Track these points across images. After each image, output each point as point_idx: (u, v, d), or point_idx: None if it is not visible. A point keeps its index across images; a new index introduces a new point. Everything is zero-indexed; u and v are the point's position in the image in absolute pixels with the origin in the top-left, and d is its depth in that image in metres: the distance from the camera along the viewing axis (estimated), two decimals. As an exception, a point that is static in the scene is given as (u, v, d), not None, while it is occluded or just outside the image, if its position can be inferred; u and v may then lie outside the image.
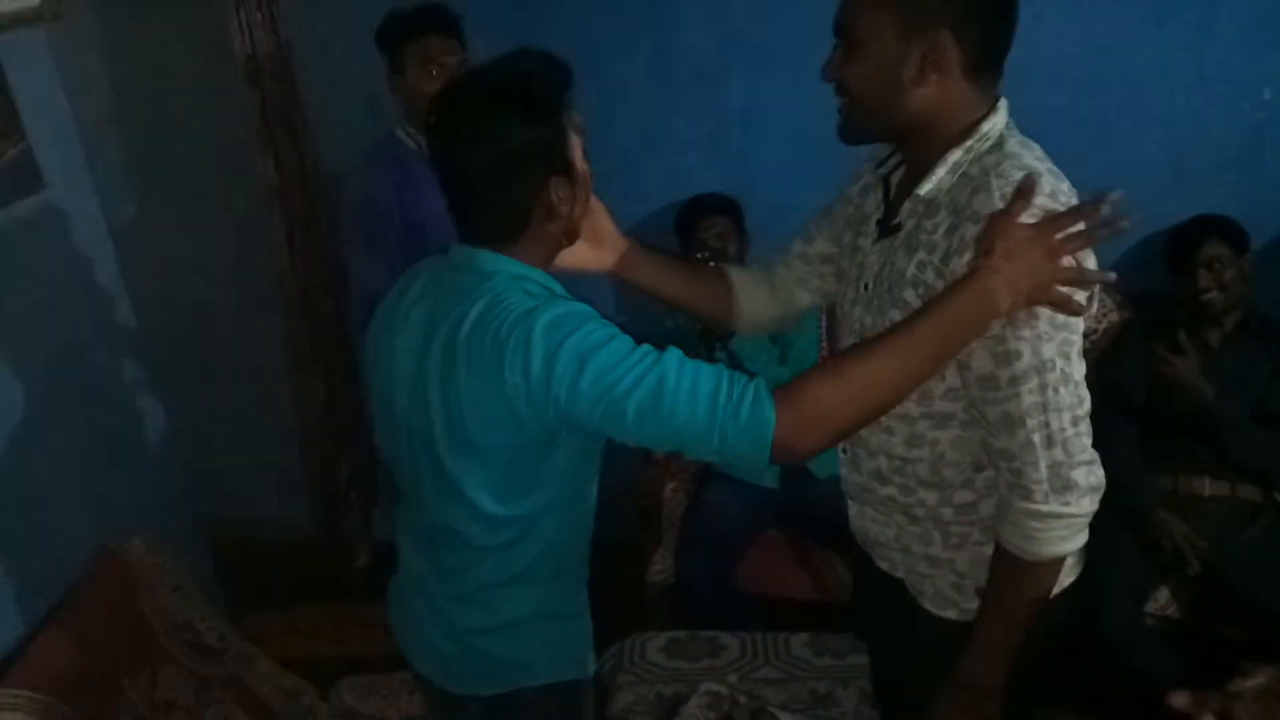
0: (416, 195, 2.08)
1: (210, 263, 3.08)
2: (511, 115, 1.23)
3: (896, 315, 1.24)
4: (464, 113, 1.25)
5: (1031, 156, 1.20)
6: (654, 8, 2.67)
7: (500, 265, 1.28)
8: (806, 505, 2.53)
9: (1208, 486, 2.40)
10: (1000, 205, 1.14)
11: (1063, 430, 1.19)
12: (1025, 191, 1.14)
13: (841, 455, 1.49)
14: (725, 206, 2.58)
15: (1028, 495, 1.21)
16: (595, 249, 1.47)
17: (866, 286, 1.34)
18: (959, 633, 1.34)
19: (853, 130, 1.28)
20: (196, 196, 2.99)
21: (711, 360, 2.37)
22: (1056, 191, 1.17)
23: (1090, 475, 1.22)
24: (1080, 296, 1.17)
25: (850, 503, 1.51)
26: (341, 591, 2.91)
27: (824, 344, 2.75)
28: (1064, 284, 1.16)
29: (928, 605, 1.41)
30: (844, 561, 2.46)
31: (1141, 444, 2.43)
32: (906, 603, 1.43)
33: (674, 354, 1.18)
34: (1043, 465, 1.20)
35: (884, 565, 1.47)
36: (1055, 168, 1.21)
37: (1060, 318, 1.17)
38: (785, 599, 2.51)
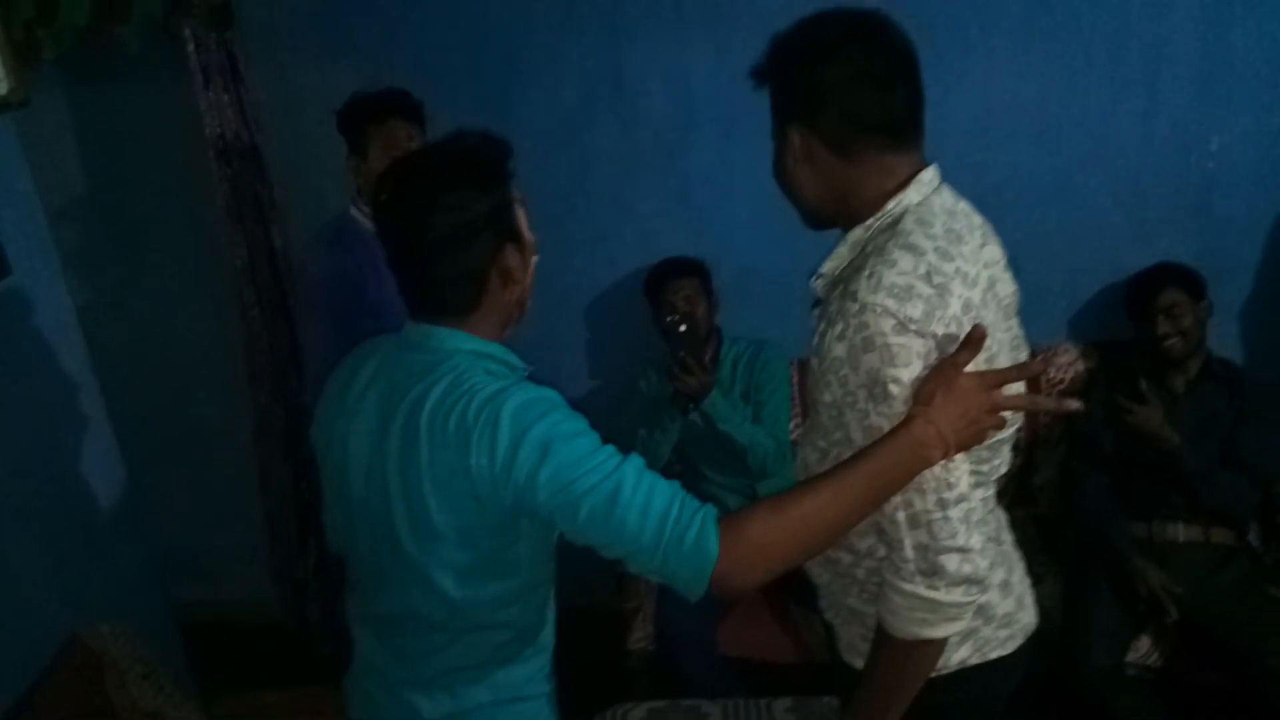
0: (378, 276, 2.08)
1: (180, 343, 3.07)
2: (464, 185, 1.25)
3: (810, 383, 1.31)
4: (418, 186, 1.26)
5: (923, 235, 1.21)
6: (616, 79, 2.73)
7: (459, 343, 1.28)
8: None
9: (1181, 532, 2.42)
10: (866, 283, 1.17)
11: (927, 512, 1.19)
12: (974, 340, 1.15)
13: None
14: (692, 269, 2.61)
15: (896, 572, 1.23)
16: None
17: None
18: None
19: (804, 221, 1.37)
20: (165, 277, 3.00)
21: (685, 417, 2.40)
22: (932, 272, 1.18)
23: (964, 564, 1.19)
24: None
25: None
26: (314, 677, 2.84)
27: (796, 403, 2.77)
28: (995, 429, 1.20)
29: (842, 652, 1.46)
30: (823, 620, 2.45)
31: (1114, 492, 2.45)
32: (834, 647, 1.49)
33: (635, 463, 1.19)
34: (908, 545, 1.21)
35: (823, 606, 1.52)
36: (950, 248, 1.21)
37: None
38: (766, 662, 2.48)
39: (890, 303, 1.15)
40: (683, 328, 2.34)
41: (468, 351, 1.28)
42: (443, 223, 1.24)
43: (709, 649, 2.43)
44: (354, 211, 2.21)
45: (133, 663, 1.95)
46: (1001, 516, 1.43)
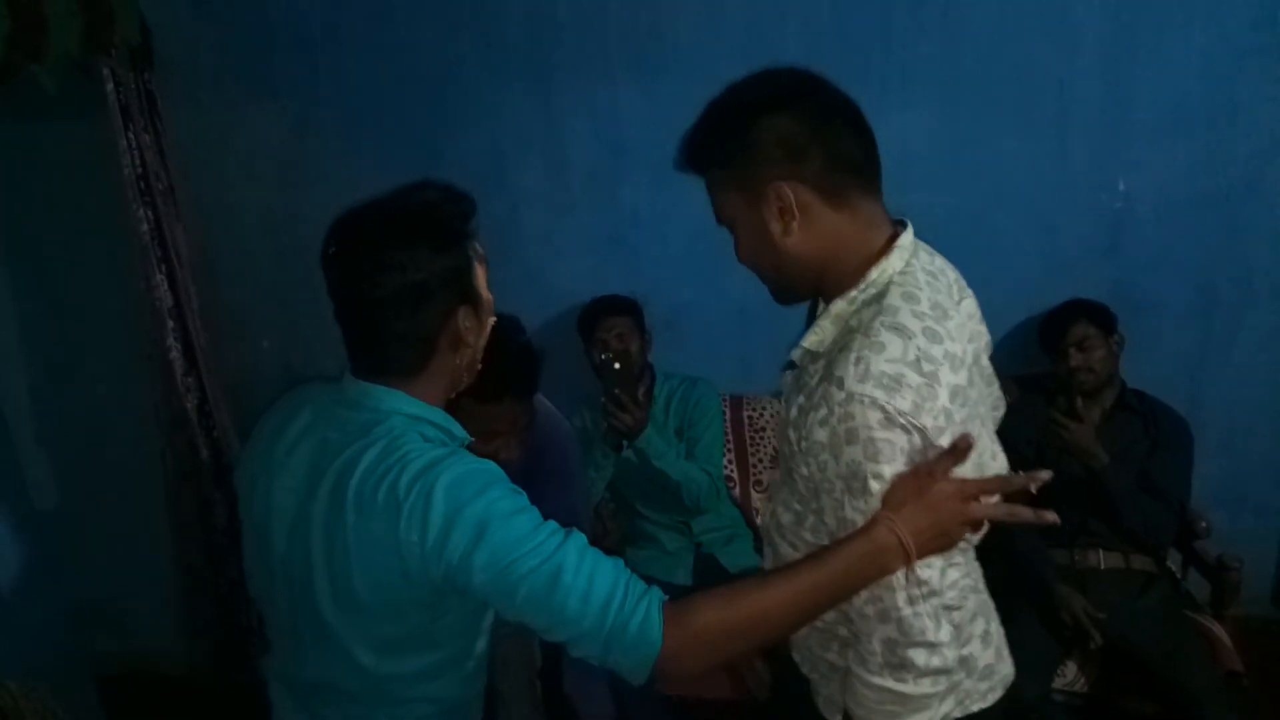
0: None
1: (95, 386, 2.98)
2: (418, 245, 1.19)
3: (786, 450, 1.27)
4: (367, 242, 1.20)
5: (910, 313, 1.16)
6: (547, 121, 2.75)
7: (397, 404, 1.22)
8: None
9: (1102, 559, 2.48)
10: (853, 369, 1.12)
11: (897, 609, 1.15)
12: (959, 451, 1.12)
13: (766, 550, 1.47)
14: (625, 307, 2.63)
15: (863, 664, 1.20)
16: None
17: (785, 401, 1.35)
18: None
19: (779, 297, 1.31)
20: (79, 319, 2.91)
21: (619, 454, 2.40)
22: (921, 359, 1.13)
23: (933, 658, 1.16)
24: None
25: None
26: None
27: (729, 438, 2.79)
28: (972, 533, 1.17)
29: (820, 706, 1.41)
30: (763, 660, 2.45)
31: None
32: (809, 701, 1.44)
33: (576, 543, 1.14)
34: (875, 639, 1.18)
35: (797, 659, 1.47)
36: (937, 327, 1.16)
37: None
38: (706, 699, 2.47)
39: (879, 394, 1.10)
40: (617, 365, 2.35)
41: (406, 414, 1.21)
42: (391, 282, 1.17)
43: (649, 689, 2.41)
44: None
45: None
46: (977, 567, 1.38)
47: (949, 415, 1.14)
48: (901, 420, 1.10)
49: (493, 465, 1.18)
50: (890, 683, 1.18)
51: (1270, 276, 2.83)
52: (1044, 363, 2.61)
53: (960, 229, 2.77)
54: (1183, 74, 2.67)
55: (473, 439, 1.46)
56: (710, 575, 2.55)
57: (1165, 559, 2.54)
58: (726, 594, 1.13)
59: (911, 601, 1.15)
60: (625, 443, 2.39)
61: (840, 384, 1.12)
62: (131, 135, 2.56)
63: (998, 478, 1.20)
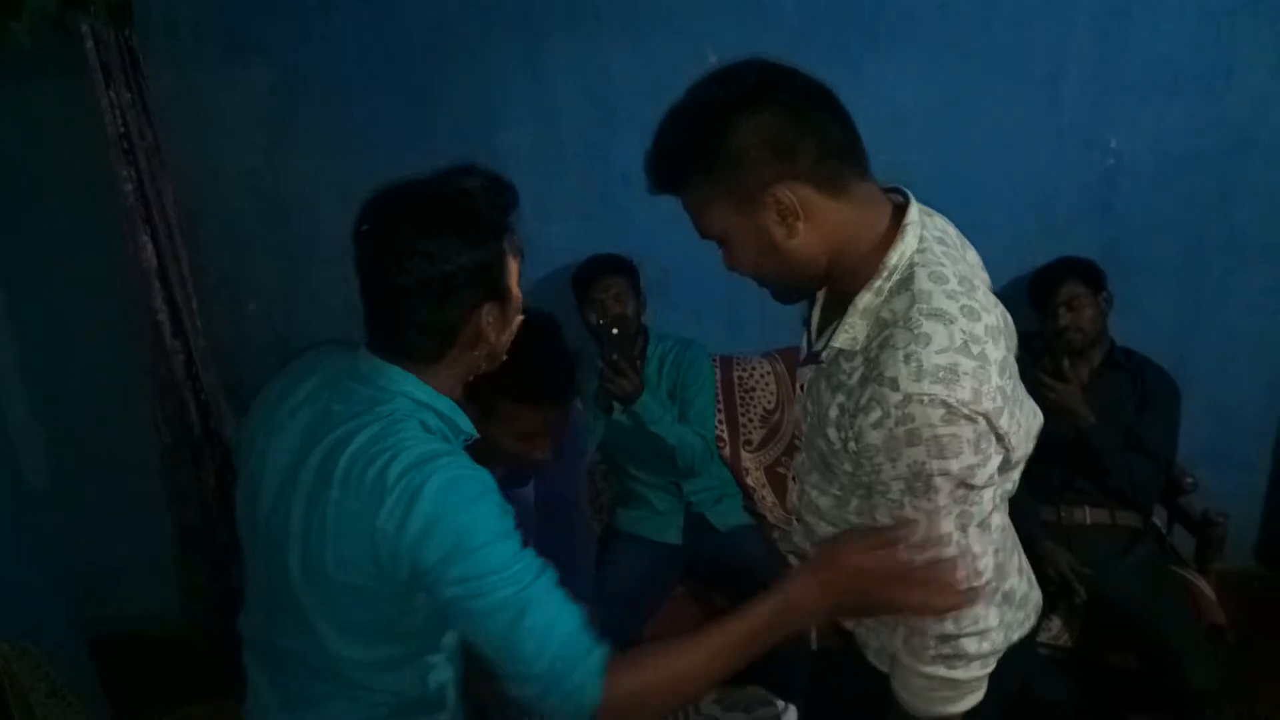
0: None
1: (83, 350, 2.95)
2: (449, 235, 1.16)
3: (822, 445, 1.23)
4: (401, 223, 1.17)
5: (944, 296, 1.11)
6: (536, 80, 2.72)
7: (406, 387, 1.19)
8: (711, 559, 2.55)
9: (1088, 515, 2.51)
10: (905, 368, 1.07)
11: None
12: (904, 537, 1.13)
13: (795, 525, 1.47)
14: (621, 267, 2.61)
15: (916, 655, 1.21)
16: None
17: (802, 388, 1.33)
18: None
19: (783, 298, 1.28)
20: (67, 281, 2.88)
21: (609, 415, 2.40)
22: (969, 341, 1.08)
23: (984, 643, 1.19)
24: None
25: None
26: (231, 690, 2.77)
27: (719, 398, 2.80)
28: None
29: (871, 659, 1.40)
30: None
31: (1023, 477, 2.52)
32: (854, 653, 1.43)
33: (545, 583, 1.13)
34: (931, 633, 1.19)
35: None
36: (971, 302, 1.12)
37: (961, 491, 1.12)
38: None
39: (939, 389, 1.06)
40: (615, 330, 2.34)
41: (413, 399, 1.19)
42: (418, 270, 1.15)
43: (636, 645, 2.43)
44: None
45: (36, 681, 1.87)
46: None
47: (1004, 393, 1.11)
48: (965, 411, 1.07)
49: (487, 475, 1.15)
50: (943, 671, 1.19)
51: (1260, 236, 2.84)
52: (1032, 321, 2.62)
53: (951, 187, 2.75)
54: (1175, 33, 2.66)
55: (511, 439, 1.52)
56: (700, 534, 2.56)
57: (1151, 515, 2.57)
58: (660, 653, 1.15)
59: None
60: (620, 406, 2.39)
61: (895, 385, 1.08)
62: (113, 94, 2.51)
63: (942, 567, 1.15)
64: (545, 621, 1.10)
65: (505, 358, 1.34)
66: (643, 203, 3.03)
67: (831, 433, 1.20)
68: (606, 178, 2.81)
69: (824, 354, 1.22)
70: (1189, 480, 2.60)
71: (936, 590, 1.14)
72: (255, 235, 2.87)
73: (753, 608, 1.15)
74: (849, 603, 1.15)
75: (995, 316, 1.16)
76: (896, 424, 1.08)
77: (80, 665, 2.53)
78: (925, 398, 1.06)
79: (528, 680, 1.10)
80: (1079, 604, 2.37)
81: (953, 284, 1.13)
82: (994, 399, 1.09)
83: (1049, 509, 2.51)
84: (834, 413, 1.19)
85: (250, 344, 2.95)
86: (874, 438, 1.11)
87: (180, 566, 2.92)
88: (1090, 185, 2.80)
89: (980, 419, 1.09)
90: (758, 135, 1.10)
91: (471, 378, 1.29)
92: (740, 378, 2.89)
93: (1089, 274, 2.54)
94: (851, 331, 1.17)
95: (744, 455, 2.82)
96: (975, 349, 1.08)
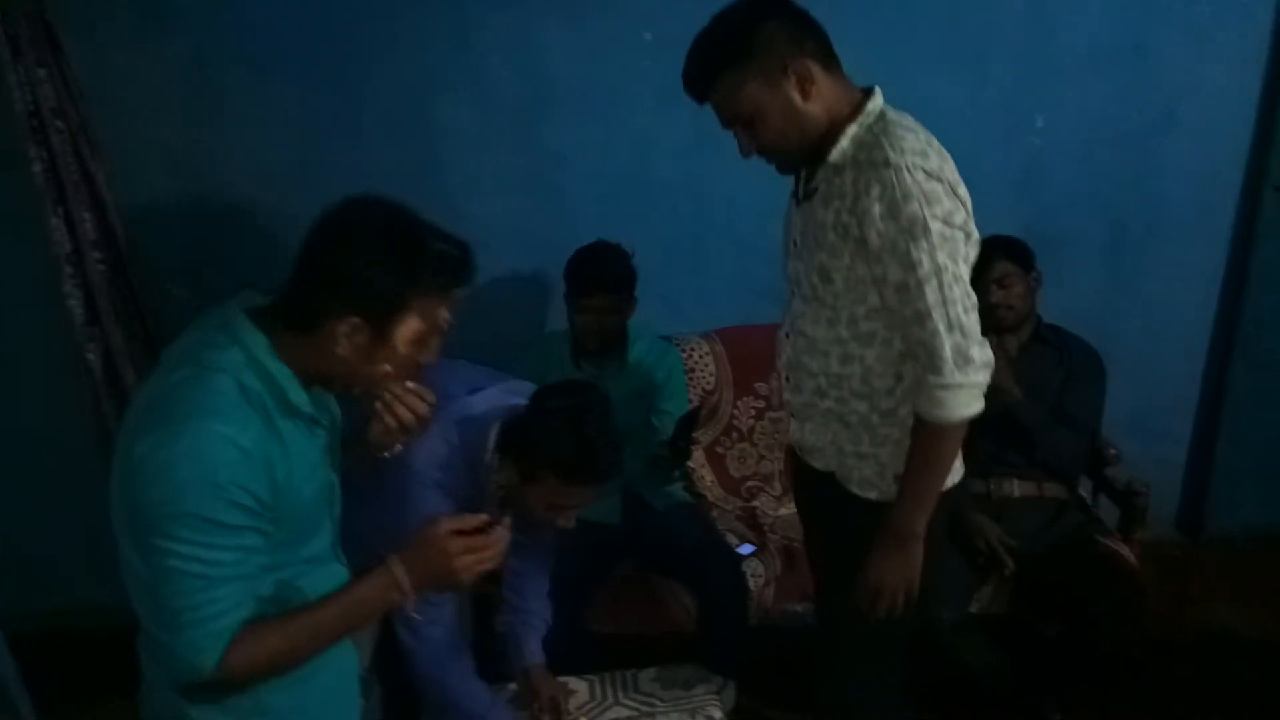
0: None
1: (14, 337, 2.83)
2: (380, 250, 1.20)
3: (823, 258, 1.58)
4: (355, 215, 1.23)
5: (909, 125, 1.55)
6: (466, 55, 2.66)
7: (252, 342, 1.21)
8: (650, 538, 2.55)
9: (1016, 488, 2.57)
10: (891, 151, 1.47)
11: (959, 317, 1.51)
12: (476, 524, 1.30)
13: (785, 382, 1.81)
14: (620, 281, 2.45)
15: (938, 372, 1.53)
16: None
17: (796, 243, 1.69)
18: (879, 509, 1.68)
19: (790, 168, 1.66)
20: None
21: (578, 372, 2.42)
22: (931, 141, 1.54)
23: (983, 351, 1.55)
24: None
25: (792, 420, 1.84)
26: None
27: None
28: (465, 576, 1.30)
29: (855, 489, 1.74)
30: (688, 591, 2.49)
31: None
32: (836, 489, 1.76)
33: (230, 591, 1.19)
34: (948, 347, 1.51)
35: (818, 464, 1.79)
36: (931, 142, 1.53)
37: (948, 230, 1.48)
38: (635, 635, 2.51)
39: (918, 159, 1.47)
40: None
41: (246, 355, 1.20)
42: (334, 253, 1.20)
43: (577, 626, 2.43)
44: None
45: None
46: None
47: (959, 183, 1.52)
48: (936, 174, 1.47)
49: (224, 476, 1.15)
50: (960, 378, 1.52)
51: (1178, 211, 2.92)
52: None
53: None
54: (1100, 13, 2.71)
55: (543, 507, 1.73)
56: (639, 513, 2.56)
57: (1077, 487, 2.64)
58: (267, 634, 1.22)
59: (967, 311, 1.52)
60: (583, 361, 2.54)
61: (887, 162, 1.47)
62: (21, 70, 2.41)
63: (488, 531, 1.33)
64: (203, 584, 1.16)
65: (530, 432, 1.64)
66: (578, 181, 3.02)
67: (830, 235, 1.56)
68: (540, 156, 2.77)
69: (818, 176, 1.59)
70: (1113, 452, 2.68)
71: (487, 558, 1.31)
72: (174, 215, 2.77)
73: (349, 589, 1.29)
74: (426, 577, 1.28)
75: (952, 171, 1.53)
76: (893, 188, 1.46)
77: (2, 661, 2.45)
78: (909, 165, 1.46)
79: (153, 621, 1.21)
80: (1009, 574, 2.42)
81: (910, 121, 1.57)
82: (953, 174, 1.52)
83: (979, 482, 2.55)
84: (831, 218, 1.56)
85: (175, 328, 2.85)
86: (877, 209, 1.48)
87: (112, 556, 2.82)
88: (1016, 163, 2.85)
89: (945, 182, 1.48)
90: (777, 28, 1.53)
91: (326, 383, 1.31)
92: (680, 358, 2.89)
93: (1019, 252, 2.58)
94: (841, 151, 1.56)
95: (682, 434, 2.82)
96: (935, 145, 1.53)
